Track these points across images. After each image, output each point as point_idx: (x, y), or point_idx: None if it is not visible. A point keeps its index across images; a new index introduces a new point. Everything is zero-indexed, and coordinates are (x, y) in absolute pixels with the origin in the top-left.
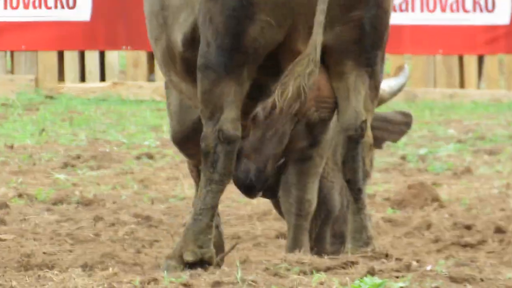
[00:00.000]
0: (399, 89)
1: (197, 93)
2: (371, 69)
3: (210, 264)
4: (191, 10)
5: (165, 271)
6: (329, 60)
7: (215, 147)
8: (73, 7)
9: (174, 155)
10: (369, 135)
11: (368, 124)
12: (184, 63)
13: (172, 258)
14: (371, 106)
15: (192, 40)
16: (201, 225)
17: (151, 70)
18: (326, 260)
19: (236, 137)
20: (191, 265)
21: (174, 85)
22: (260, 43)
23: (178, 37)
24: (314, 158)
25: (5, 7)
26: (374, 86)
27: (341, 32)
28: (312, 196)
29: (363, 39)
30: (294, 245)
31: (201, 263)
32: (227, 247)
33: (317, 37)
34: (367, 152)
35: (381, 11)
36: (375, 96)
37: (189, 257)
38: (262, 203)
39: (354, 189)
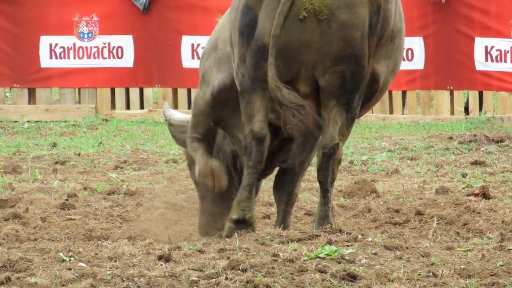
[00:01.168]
0: None
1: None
2: (349, 106)
3: (250, 223)
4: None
5: (225, 234)
6: (320, 96)
7: (250, 142)
8: (121, 57)
9: None
10: (340, 153)
11: (340, 145)
12: None
13: (228, 220)
14: (346, 132)
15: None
16: (242, 196)
17: (175, 101)
18: (298, 234)
19: (263, 135)
20: (237, 222)
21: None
22: None
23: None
24: (305, 163)
25: (74, 57)
26: (351, 118)
27: (329, 79)
28: (298, 190)
29: (344, 85)
30: (283, 224)
31: (243, 221)
32: None
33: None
34: (336, 165)
35: (359, 67)
36: (350, 125)
37: (234, 216)
38: None
39: (323, 188)
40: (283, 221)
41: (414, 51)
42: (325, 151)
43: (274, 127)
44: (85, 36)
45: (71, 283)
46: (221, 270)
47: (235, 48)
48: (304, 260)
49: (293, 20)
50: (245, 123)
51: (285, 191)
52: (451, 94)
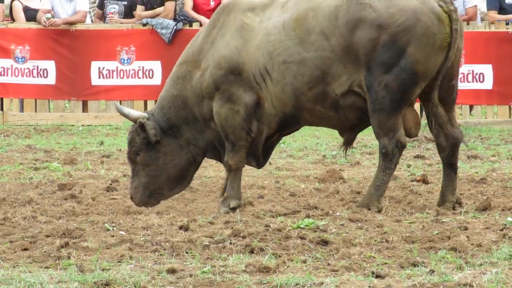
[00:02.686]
0: None
1: (378, 122)
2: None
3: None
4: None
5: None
6: (442, 102)
7: (393, 150)
8: (152, 77)
9: None
10: None
11: None
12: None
13: (361, 207)
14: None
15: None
16: (381, 192)
17: None
18: (284, 209)
19: (405, 145)
20: (376, 211)
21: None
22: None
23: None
24: None
25: (117, 77)
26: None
27: (447, 90)
28: None
29: (454, 94)
30: None
31: (381, 211)
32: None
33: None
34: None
35: (457, 79)
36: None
37: (375, 209)
38: (251, 179)
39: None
40: None
41: None
42: (457, 142)
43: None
44: (125, 61)
45: (114, 246)
46: (226, 237)
47: (373, 74)
48: (289, 230)
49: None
50: (383, 135)
51: None
52: None
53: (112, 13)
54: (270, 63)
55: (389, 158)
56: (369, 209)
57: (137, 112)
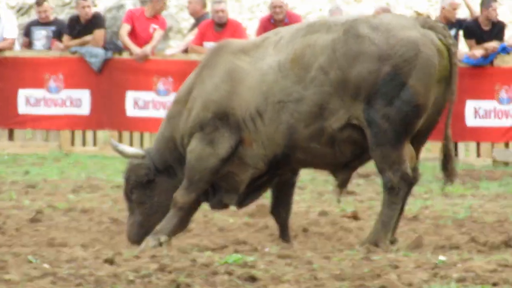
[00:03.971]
0: None
1: (382, 155)
2: None
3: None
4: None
5: (369, 253)
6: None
7: (399, 183)
8: (80, 106)
9: None
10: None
11: None
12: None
13: (368, 245)
14: None
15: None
16: (388, 228)
17: (120, 141)
18: (211, 244)
19: (411, 178)
20: (384, 249)
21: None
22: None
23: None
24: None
25: (44, 105)
26: None
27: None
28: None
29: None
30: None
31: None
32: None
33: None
34: None
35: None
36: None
37: (384, 246)
38: None
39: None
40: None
41: None
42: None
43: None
44: (53, 90)
45: (36, 279)
46: (152, 272)
47: (377, 109)
48: (216, 265)
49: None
50: (388, 169)
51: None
52: None
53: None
54: (263, 104)
55: (395, 192)
56: (378, 247)
57: (133, 149)
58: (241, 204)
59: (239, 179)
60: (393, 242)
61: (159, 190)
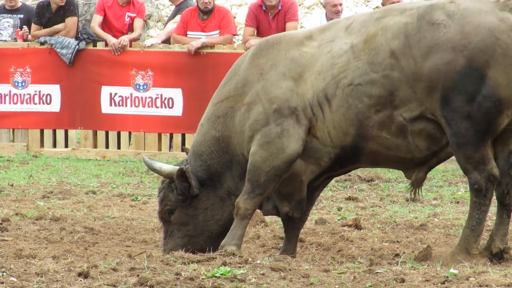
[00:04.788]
0: None
1: (465, 156)
2: None
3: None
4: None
5: (452, 264)
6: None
7: (486, 183)
8: (50, 103)
9: (108, 192)
10: None
11: None
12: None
13: (459, 253)
14: None
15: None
16: (478, 232)
17: (95, 141)
18: (197, 256)
19: (498, 177)
20: (475, 257)
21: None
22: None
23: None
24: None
25: (10, 102)
26: None
27: None
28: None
29: None
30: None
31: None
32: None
33: None
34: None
35: None
36: None
37: (475, 251)
38: None
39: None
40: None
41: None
42: None
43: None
44: (19, 84)
45: None
46: (131, 286)
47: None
48: (202, 279)
49: None
50: (473, 169)
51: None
52: None
53: (6, 27)
54: (333, 87)
55: (483, 194)
56: (469, 253)
57: (169, 165)
58: (303, 214)
59: (298, 180)
60: (505, 251)
61: (203, 206)
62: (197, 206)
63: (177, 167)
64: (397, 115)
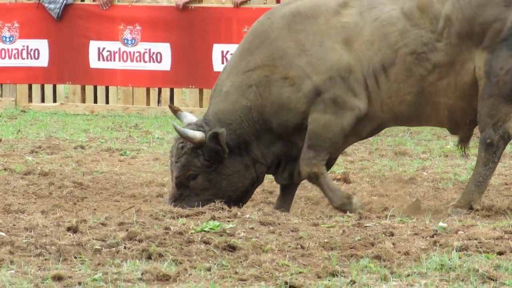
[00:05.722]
0: None
1: (491, 108)
2: None
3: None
4: None
5: (454, 215)
6: None
7: (498, 142)
8: (38, 58)
9: (97, 146)
10: None
11: None
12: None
13: (461, 207)
14: None
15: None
16: (483, 189)
17: (83, 96)
18: (186, 211)
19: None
20: (475, 211)
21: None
22: None
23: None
24: None
25: None
26: None
27: None
28: None
29: None
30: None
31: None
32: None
33: None
34: None
35: None
36: None
37: (477, 206)
38: (149, 175)
39: None
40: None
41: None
42: None
43: None
44: (7, 39)
45: None
46: (121, 241)
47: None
48: (191, 233)
49: None
50: (491, 124)
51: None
52: None
53: None
54: (391, 57)
55: (493, 150)
56: (471, 209)
57: (199, 132)
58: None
59: (337, 148)
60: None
61: (228, 173)
62: (221, 172)
63: (197, 133)
64: (460, 80)
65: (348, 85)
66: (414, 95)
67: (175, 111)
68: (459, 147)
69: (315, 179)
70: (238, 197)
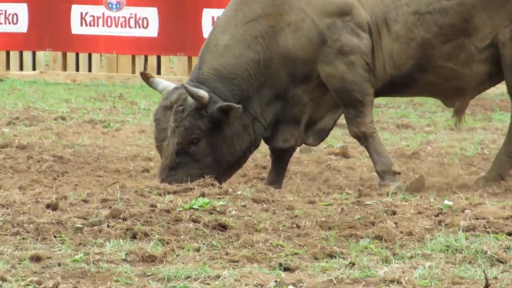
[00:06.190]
0: None
1: None
2: None
3: None
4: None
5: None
6: None
7: None
8: (16, 23)
9: (78, 118)
10: None
11: None
12: None
13: (492, 179)
14: None
15: None
16: None
17: (64, 64)
18: (173, 187)
19: None
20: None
21: None
22: None
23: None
24: None
25: None
26: None
27: None
28: None
29: None
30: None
31: None
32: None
33: None
34: None
35: None
36: None
37: (509, 179)
38: (134, 149)
39: None
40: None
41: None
42: None
43: None
44: None
45: None
46: (103, 219)
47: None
48: (179, 211)
49: None
50: None
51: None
52: None
53: None
54: (393, 13)
55: None
56: (503, 180)
57: (203, 91)
58: (321, 140)
59: (371, 94)
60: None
61: (227, 134)
62: (223, 135)
63: (205, 92)
64: (469, 44)
65: (352, 28)
66: (416, 58)
67: (147, 78)
68: (456, 118)
69: (363, 139)
70: (235, 162)
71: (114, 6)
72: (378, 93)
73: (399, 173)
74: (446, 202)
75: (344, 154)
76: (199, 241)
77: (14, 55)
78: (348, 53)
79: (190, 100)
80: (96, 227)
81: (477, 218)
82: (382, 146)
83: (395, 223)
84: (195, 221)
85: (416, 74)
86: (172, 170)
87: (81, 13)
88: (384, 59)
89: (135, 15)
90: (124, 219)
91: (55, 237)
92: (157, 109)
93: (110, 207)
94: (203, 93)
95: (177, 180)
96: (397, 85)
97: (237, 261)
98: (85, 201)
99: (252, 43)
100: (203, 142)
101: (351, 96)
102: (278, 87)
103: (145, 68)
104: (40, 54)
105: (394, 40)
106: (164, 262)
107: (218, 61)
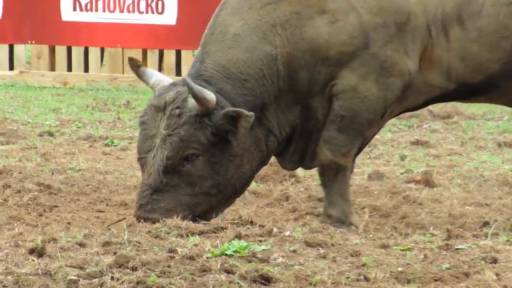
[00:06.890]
0: None
1: None
2: None
3: None
4: None
5: None
6: None
7: None
8: None
9: (71, 133)
10: None
11: None
12: None
13: None
14: None
15: None
16: None
17: (52, 60)
18: (200, 225)
19: None
20: None
21: None
22: None
23: None
24: None
25: None
26: None
27: None
28: None
29: None
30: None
31: None
32: None
33: None
34: None
35: None
36: None
37: None
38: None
39: None
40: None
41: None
42: None
43: None
44: None
45: None
46: (106, 268)
47: None
48: (207, 258)
49: None
50: None
51: None
52: None
53: None
54: (475, 5)
55: None
56: None
57: (211, 94)
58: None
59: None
60: None
61: (237, 152)
62: (229, 151)
63: (212, 94)
64: None
65: (403, 38)
66: (502, 63)
67: (137, 67)
68: None
69: (333, 172)
70: (242, 186)
71: None
72: (437, 100)
73: (356, 227)
74: None
75: (427, 182)
76: None
77: None
78: (387, 70)
79: (191, 102)
80: (96, 279)
81: None
82: (348, 188)
83: (497, 275)
84: (228, 271)
85: (496, 82)
86: (156, 193)
87: None
88: (450, 63)
89: None
90: (134, 268)
91: None
92: (145, 110)
93: (114, 253)
94: (210, 95)
95: (161, 209)
96: (465, 94)
97: None
98: (81, 244)
99: (269, 33)
100: (201, 160)
101: (358, 125)
102: (295, 93)
103: (160, 67)
104: (19, 49)
105: (472, 41)
106: None
107: (225, 54)
